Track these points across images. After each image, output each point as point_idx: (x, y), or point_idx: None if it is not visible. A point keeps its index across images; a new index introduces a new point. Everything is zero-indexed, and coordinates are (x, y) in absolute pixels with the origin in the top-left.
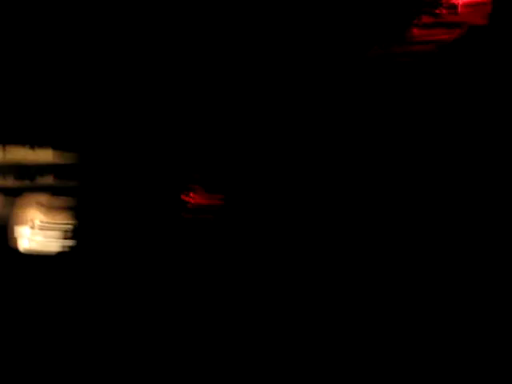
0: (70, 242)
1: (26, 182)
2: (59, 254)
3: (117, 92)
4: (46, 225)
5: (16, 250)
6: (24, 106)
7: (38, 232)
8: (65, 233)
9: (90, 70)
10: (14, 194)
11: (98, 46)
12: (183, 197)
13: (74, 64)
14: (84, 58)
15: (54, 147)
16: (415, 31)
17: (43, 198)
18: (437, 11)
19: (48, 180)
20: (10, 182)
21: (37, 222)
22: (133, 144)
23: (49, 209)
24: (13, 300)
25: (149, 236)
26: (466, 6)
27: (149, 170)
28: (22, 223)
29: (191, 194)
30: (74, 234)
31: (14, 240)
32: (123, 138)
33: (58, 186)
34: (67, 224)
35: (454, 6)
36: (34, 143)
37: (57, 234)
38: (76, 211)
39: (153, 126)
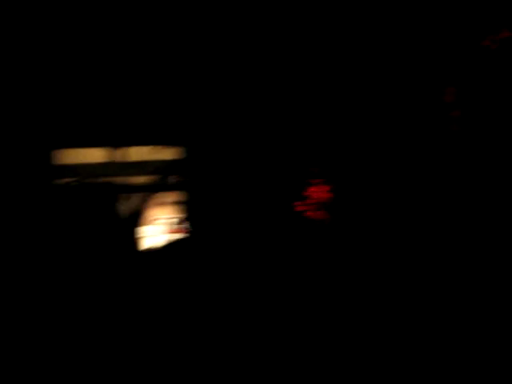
0: (190, 237)
1: (151, 180)
2: (180, 248)
3: (233, 88)
4: (170, 221)
5: (142, 246)
6: (145, 106)
7: (162, 228)
8: (185, 228)
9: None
10: (139, 191)
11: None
12: (303, 192)
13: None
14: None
15: (176, 145)
16: None
17: (167, 194)
18: None
19: (171, 177)
20: (135, 180)
21: (161, 219)
22: (249, 140)
23: (172, 205)
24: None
25: (265, 231)
26: None
27: (265, 163)
28: (147, 220)
29: (311, 189)
30: (195, 228)
31: (140, 236)
32: (242, 134)
33: (180, 183)
34: (187, 219)
35: None
36: (155, 142)
37: (178, 228)
38: (197, 206)
39: (268, 120)
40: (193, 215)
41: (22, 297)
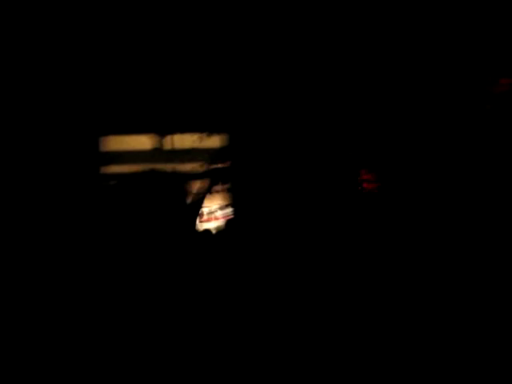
0: (239, 224)
1: (199, 168)
2: (232, 234)
3: (285, 76)
4: (218, 208)
5: (194, 233)
6: (192, 93)
7: (209, 215)
8: (233, 214)
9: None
10: (187, 180)
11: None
12: (353, 180)
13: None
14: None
15: (225, 132)
16: None
17: (215, 182)
18: None
19: (220, 164)
20: (183, 167)
21: (209, 206)
22: (300, 127)
23: (219, 192)
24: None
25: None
26: None
27: (315, 151)
28: (196, 208)
29: (361, 177)
30: (243, 216)
31: (191, 224)
32: (293, 122)
33: (229, 170)
34: (240, 206)
35: None
36: (203, 129)
37: (224, 215)
38: (246, 194)
39: (318, 108)
40: (243, 203)
41: (77, 288)
